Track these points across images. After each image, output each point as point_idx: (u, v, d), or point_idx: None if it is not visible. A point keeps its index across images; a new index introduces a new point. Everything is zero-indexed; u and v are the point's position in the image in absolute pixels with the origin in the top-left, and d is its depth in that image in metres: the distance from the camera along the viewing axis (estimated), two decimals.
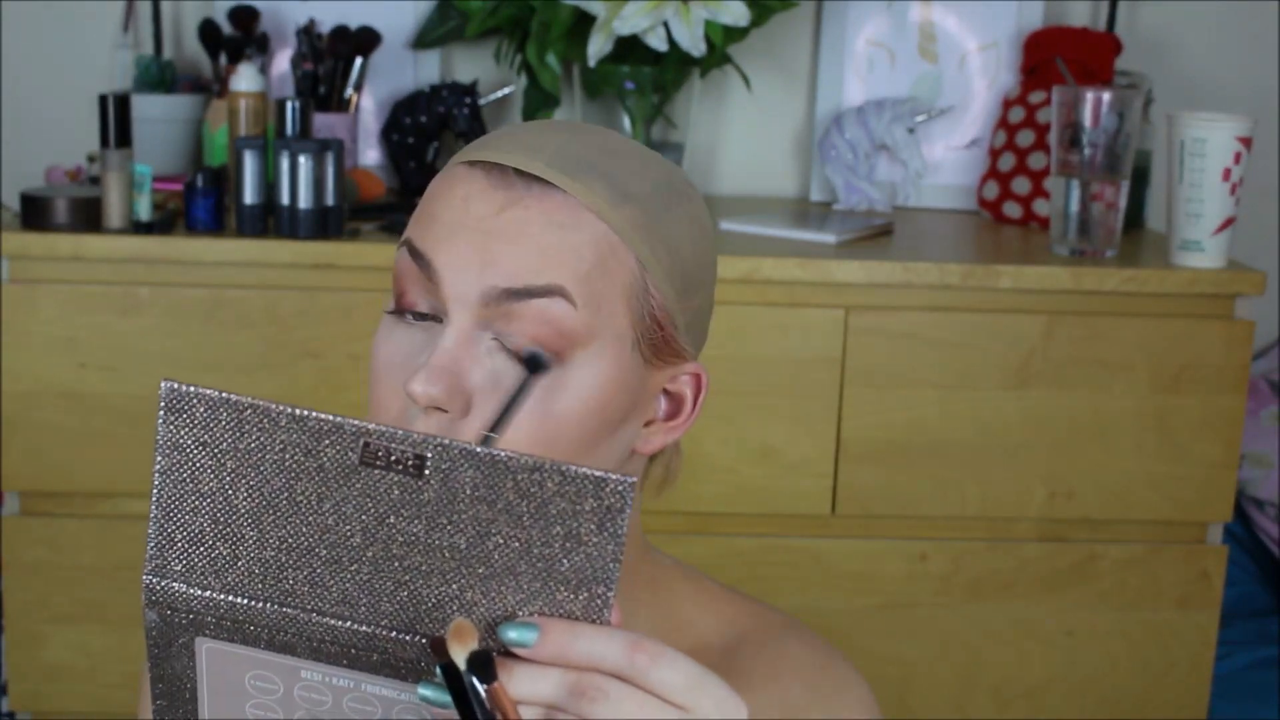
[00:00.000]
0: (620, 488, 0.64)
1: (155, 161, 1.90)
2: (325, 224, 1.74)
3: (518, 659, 0.66)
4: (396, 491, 0.65)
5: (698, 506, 1.79)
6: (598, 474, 0.64)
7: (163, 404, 0.64)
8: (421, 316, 0.83)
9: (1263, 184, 2.27)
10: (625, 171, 0.84)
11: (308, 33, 2.03)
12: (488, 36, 2.11)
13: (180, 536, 0.66)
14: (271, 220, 1.76)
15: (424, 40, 2.13)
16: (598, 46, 1.90)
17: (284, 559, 0.66)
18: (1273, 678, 2.06)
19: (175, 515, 0.66)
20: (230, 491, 0.65)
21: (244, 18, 2.04)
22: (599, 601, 0.66)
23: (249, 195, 1.74)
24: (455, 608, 0.66)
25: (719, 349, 1.74)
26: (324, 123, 1.99)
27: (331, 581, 0.66)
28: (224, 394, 0.64)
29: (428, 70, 2.15)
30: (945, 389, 1.78)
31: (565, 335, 0.80)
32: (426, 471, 0.64)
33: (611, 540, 0.65)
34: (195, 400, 0.64)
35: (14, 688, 1.82)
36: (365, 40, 2.05)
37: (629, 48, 1.94)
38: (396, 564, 0.65)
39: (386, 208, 1.93)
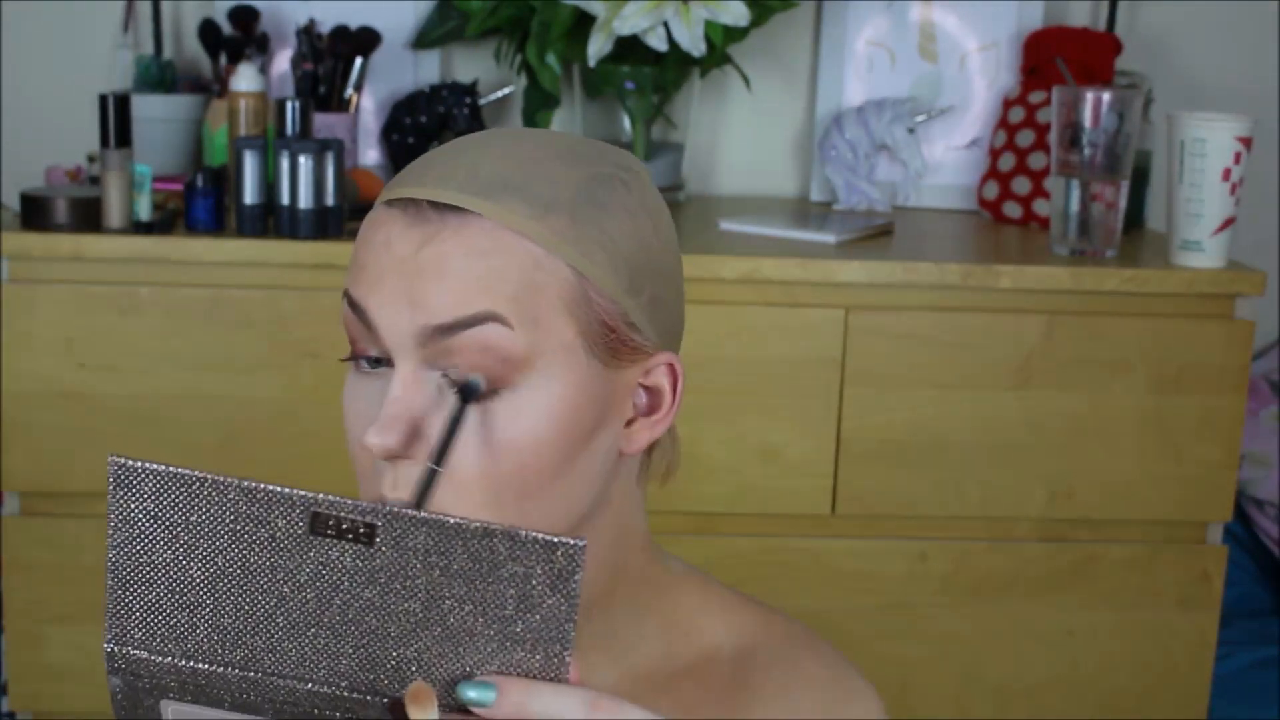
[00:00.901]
0: (571, 551, 0.65)
1: (155, 161, 1.89)
2: (325, 224, 1.74)
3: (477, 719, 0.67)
4: (349, 559, 0.66)
5: (698, 506, 1.79)
6: (548, 539, 0.65)
7: (111, 480, 0.65)
8: (375, 362, 0.83)
9: (1263, 184, 2.27)
10: (545, 180, 0.82)
11: (308, 33, 2.03)
12: (488, 36, 2.11)
13: (137, 606, 0.67)
14: (271, 220, 1.75)
15: (424, 40, 2.13)
16: (598, 46, 1.90)
17: (242, 625, 0.67)
18: (1273, 678, 2.06)
19: (131, 585, 0.67)
20: (184, 562, 0.66)
21: (244, 18, 2.04)
22: (556, 660, 0.67)
23: (249, 195, 1.74)
24: (415, 668, 0.67)
25: (719, 349, 1.74)
26: (324, 123, 1.99)
27: (290, 646, 0.67)
28: (172, 468, 0.65)
29: (428, 70, 2.15)
30: (945, 389, 1.78)
31: (507, 360, 0.79)
32: (377, 540, 0.65)
33: (565, 601, 0.66)
34: (144, 475, 0.65)
35: (14, 688, 1.82)
36: (365, 40, 2.05)
37: (629, 48, 1.94)
38: (353, 628, 0.66)
39: None
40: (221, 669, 0.67)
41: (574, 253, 0.81)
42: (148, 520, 0.66)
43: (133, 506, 0.66)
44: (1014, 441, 1.79)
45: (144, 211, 1.75)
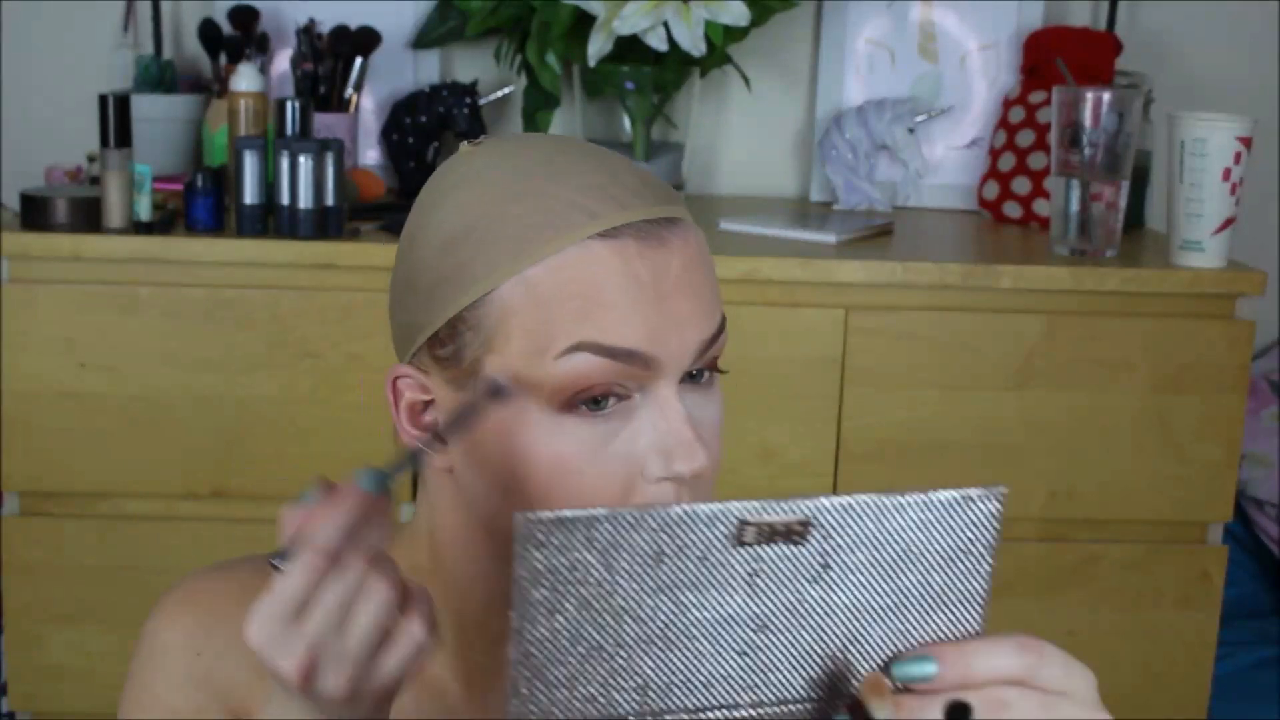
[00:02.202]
0: (987, 503, 0.65)
1: (155, 161, 1.89)
2: (325, 224, 1.74)
3: (908, 692, 0.65)
4: (778, 562, 0.63)
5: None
6: (963, 494, 0.65)
7: (520, 541, 0.59)
8: (595, 403, 0.80)
9: (1263, 184, 2.27)
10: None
11: (308, 33, 2.03)
12: (488, 36, 2.11)
13: (548, 678, 0.62)
14: (271, 220, 1.75)
15: (424, 40, 2.13)
16: (598, 46, 1.90)
17: (661, 666, 0.63)
18: (1273, 678, 2.05)
19: (543, 658, 0.61)
20: (599, 616, 0.61)
21: (244, 18, 2.04)
22: (974, 614, 0.67)
23: (249, 195, 1.74)
24: (844, 661, 0.65)
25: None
26: (324, 123, 1.99)
27: (713, 674, 0.64)
28: (584, 513, 0.60)
29: (428, 70, 2.15)
30: (945, 389, 1.78)
31: (720, 352, 0.84)
32: (810, 536, 0.63)
33: (984, 554, 0.65)
34: (552, 525, 0.60)
35: (13, 688, 1.82)
36: (365, 40, 2.05)
37: (629, 48, 1.94)
38: (780, 637, 0.64)
39: (386, 208, 1.93)
40: (649, 717, 0.64)
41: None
42: (551, 574, 0.60)
43: (536, 561, 0.59)
44: (1014, 441, 1.79)
45: (144, 211, 1.75)
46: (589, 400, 0.79)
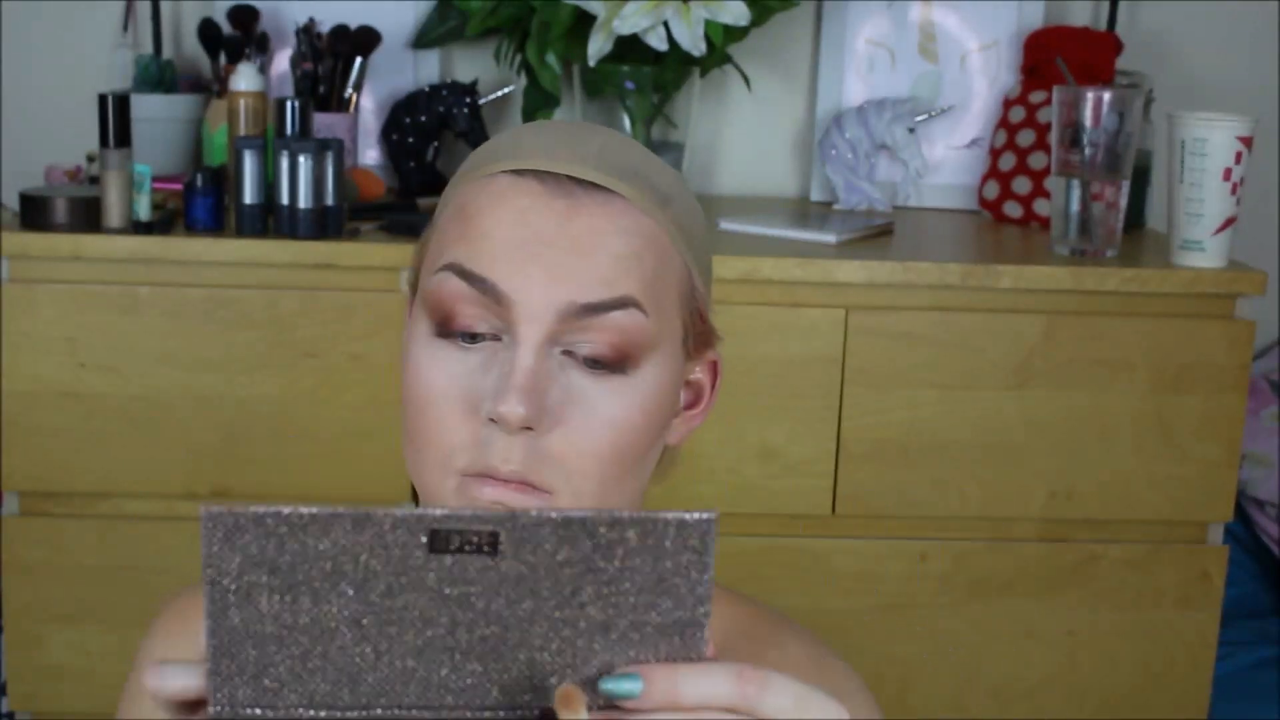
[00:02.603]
0: (704, 525, 0.63)
1: (155, 161, 1.89)
2: (325, 224, 1.74)
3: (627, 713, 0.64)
4: (473, 572, 0.62)
5: (698, 506, 1.78)
6: (679, 516, 0.63)
7: (204, 532, 0.60)
8: (472, 337, 0.81)
9: (1263, 184, 2.27)
10: (656, 171, 0.85)
11: (307, 32, 2.03)
12: (488, 36, 2.11)
13: (245, 664, 0.62)
14: (271, 220, 1.75)
15: (424, 40, 2.13)
16: (598, 46, 1.90)
17: (361, 663, 0.63)
18: (1273, 678, 2.05)
19: (236, 644, 0.62)
20: (294, 608, 0.62)
21: (244, 17, 2.04)
22: (695, 641, 0.64)
23: (249, 195, 1.74)
24: (549, 673, 0.64)
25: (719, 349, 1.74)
26: (324, 123, 1.99)
27: (414, 675, 0.63)
28: (273, 509, 0.61)
29: (428, 70, 2.15)
30: (945, 389, 1.78)
31: (637, 344, 0.81)
32: (501, 546, 0.62)
33: (700, 579, 0.63)
34: (243, 522, 0.60)
35: (13, 688, 1.82)
36: (365, 40, 2.05)
37: (629, 47, 1.94)
38: (482, 644, 0.63)
39: (386, 208, 1.93)
40: (341, 713, 0.63)
41: (684, 244, 0.84)
42: (250, 570, 0.60)
43: (232, 559, 0.61)
44: (1014, 441, 1.79)
45: (144, 211, 1.75)
46: (464, 333, 0.81)
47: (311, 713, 0.63)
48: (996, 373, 1.78)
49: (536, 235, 0.79)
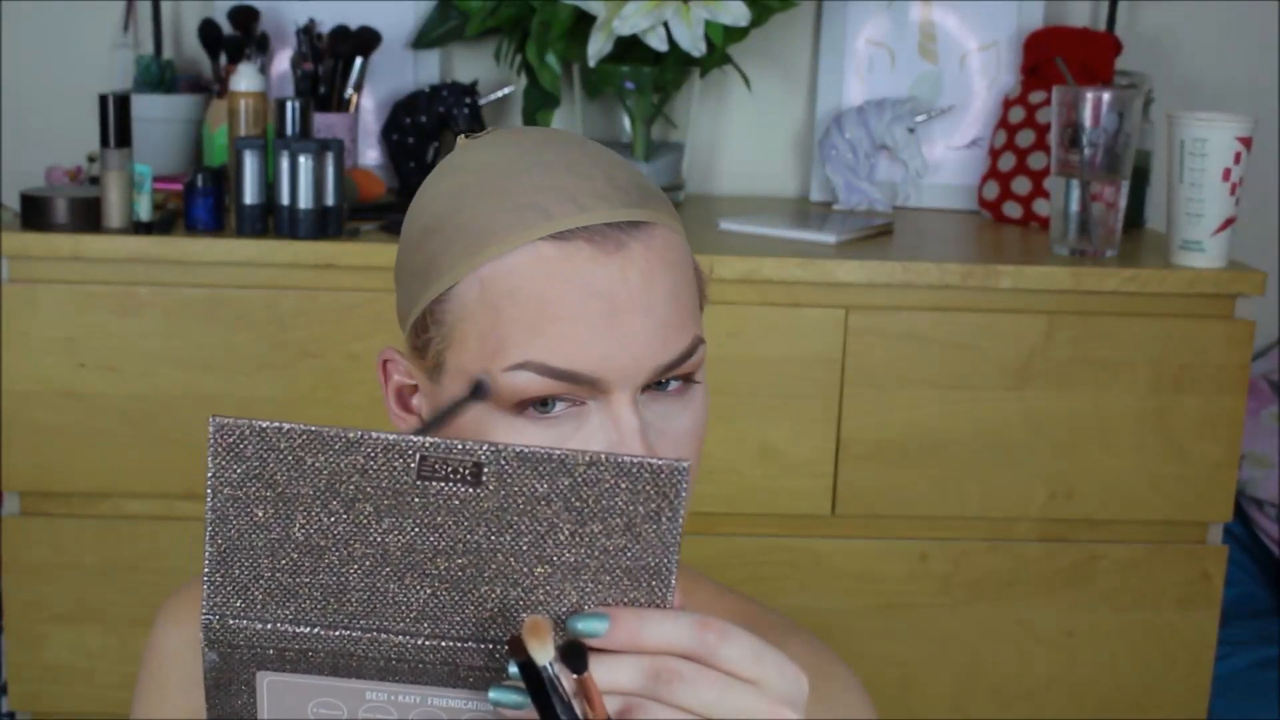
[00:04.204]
0: (676, 473, 0.65)
1: (155, 161, 1.89)
2: (325, 224, 1.74)
3: (592, 651, 0.67)
4: (457, 502, 0.65)
5: (698, 506, 1.78)
6: (652, 462, 0.65)
7: (211, 441, 0.63)
8: (543, 404, 0.80)
9: (1263, 184, 2.27)
10: (638, 173, 0.85)
11: (308, 33, 2.03)
12: (488, 36, 2.11)
13: (238, 574, 0.65)
14: (271, 220, 1.76)
15: (424, 40, 2.13)
16: (598, 46, 1.90)
17: (346, 582, 0.66)
18: (1273, 678, 2.05)
19: (232, 553, 0.65)
20: (287, 522, 0.65)
21: (244, 18, 2.04)
22: (662, 588, 0.67)
23: (249, 195, 1.74)
24: (521, 609, 0.67)
25: (719, 349, 1.74)
26: (324, 123, 1.99)
27: (395, 599, 0.66)
28: (275, 424, 0.64)
29: (428, 70, 2.15)
30: (945, 389, 1.78)
31: (700, 365, 0.83)
32: (484, 478, 0.65)
33: (670, 526, 0.66)
34: (247, 433, 0.63)
35: (14, 688, 1.82)
36: (365, 40, 2.05)
37: (629, 48, 1.94)
38: (460, 574, 0.66)
39: (386, 208, 1.93)
40: (324, 630, 0.66)
41: (682, 229, 0.85)
42: (250, 481, 0.64)
43: (235, 469, 0.64)
44: (1014, 441, 1.79)
45: (144, 211, 1.75)
46: (537, 403, 0.79)
47: (295, 628, 0.66)
48: (996, 373, 1.78)
49: (607, 305, 0.78)
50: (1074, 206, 1.84)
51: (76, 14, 2.16)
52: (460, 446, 0.64)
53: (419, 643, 0.67)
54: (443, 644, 0.67)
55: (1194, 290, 1.78)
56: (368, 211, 1.90)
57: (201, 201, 1.76)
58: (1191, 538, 1.85)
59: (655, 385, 0.81)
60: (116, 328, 1.73)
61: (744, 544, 1.81)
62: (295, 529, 0.64)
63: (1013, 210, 2.08)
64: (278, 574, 0.65)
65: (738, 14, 1.89)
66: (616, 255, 0.78)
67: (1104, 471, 1.81)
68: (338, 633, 0.66)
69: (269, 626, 0.66)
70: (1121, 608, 1.85)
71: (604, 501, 0.65)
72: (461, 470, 0.64)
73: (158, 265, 1.73)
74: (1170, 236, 1.81)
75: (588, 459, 0.65)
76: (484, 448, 0.64)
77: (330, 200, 1.74)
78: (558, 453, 0.65)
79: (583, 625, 0.66)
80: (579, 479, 0.65)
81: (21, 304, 1.73)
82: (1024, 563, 1.83)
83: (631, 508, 0.65)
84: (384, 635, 0.67)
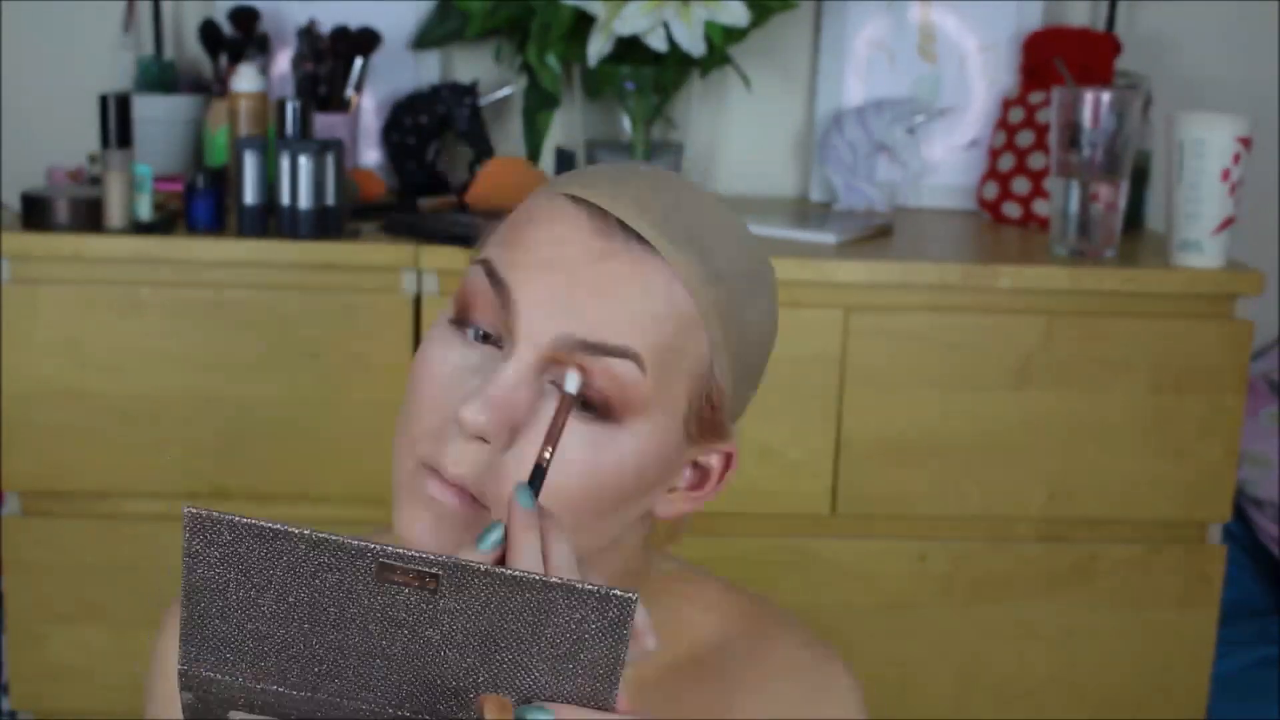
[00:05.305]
0: (623, 603, 0.68)
1: (156, 162, 1.89)
2: (325, 224, 1.74)
3: None
4: (413, 603, 0.69)
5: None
6: (602, 591, 0.68)
7: (186, 529, 0.68)
8: (483, 337, 0.81)
9: (1262, 184, 2.27)
10: (721, 248, 0.83)
11: (308, 33, 2.03)
12: (488, 36, 2.11)
13: (211, 635, 0.70)
14: (272, 220, 1.76)
15: (424, 40, 2.13)
16: (598, 47, 1.91)
17: (310, 654, 0.70)
18: (1273, 678, 2.06)
19: (205, 619, 0.70)
20: (257, 599, 0.69)
21: (244, 18, 2.04)
22: (604, 692, 0.70)
23: (249, 195, 1.74)
24: (473, 695, 0.70)
25: None
26: (324, 123, 1.99)
27: (355, 674, 0.70)
28: (245, 520, 0.68)
29: (428, 70, 2.15)
30: (945, 389, 1.78)
31: (627, 400, 0.79)
32: (440, 588, 0.68)
33: (617, 646, 0.69)
34: (221, 525, 0.68)
35: (15, 688, 1.82)
36: (365, 41, 2.05)
37: (629, 48, 1.94)
38: (415, 661, 0.70)
39: (386, 208, 1.93)
40: (287, 690, 0.70)
41: (718, 331, 0.82)
42: (221, 563, 0.69)
43: (209, 552, 0.68)
44: (1013, 441, 1.80)
45: (144, 212, 1.75)
46: (477, 329, 0.81)
47: (265, 685, 0.71)
48: (996, 373, 1.78)
49: (566, 264, 0.79)
50: (1073, 207, 1.84)
51: (76, 14, 2.16)
52: (418, 557, 0.68)
53: (374, 710, 0.71)
54: (400, 714, 0.71)
55: (1193, 290, 1.78)
56: (368, 212, 1.90)
57: (202, 202, 1.76)
58: (1191, 538, 1.85)
59: (583, 405, 0.79)
60: (117, 328, 1.73)
61: (744, 544, 1.81)
62: (265, 605, 0.69)
63: (1012, 210, 2.08)
64: (247, 640, 0.70)
65: (737, 14, 1.89)
66: (602, 241, 0.79)
67: (1104, 471, 1.81)
68: (300, 694, 0.71)
69: (238, 681, 0.71)
70: (1121, 607, 1.85)
71: (554, 619, 0.69)
72: (420, 578, 0.68)
73: (159, 265, 1.74)
74: (1169, 237, 1.81)
75: (541, 582, 0.68)
76: (442, 559, 0.68)
77: (331, 200, 1.74)
78: (514, 573, 0.68)
79: (529, 715, 0.69)
80: (531, 598, 0.68)
81: (22, 304, 1.73)
82: (1024, 563, 1.83)
83: (581, 626, 0.69)
84: (345, 701, 0.71)
